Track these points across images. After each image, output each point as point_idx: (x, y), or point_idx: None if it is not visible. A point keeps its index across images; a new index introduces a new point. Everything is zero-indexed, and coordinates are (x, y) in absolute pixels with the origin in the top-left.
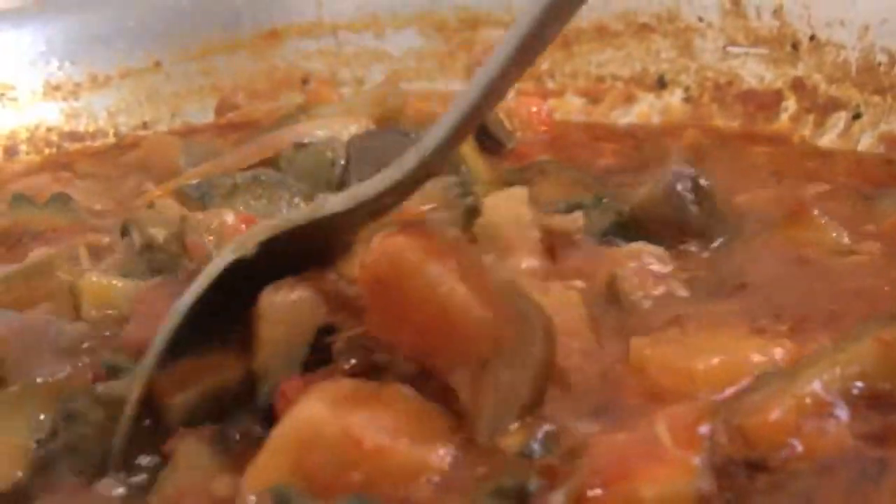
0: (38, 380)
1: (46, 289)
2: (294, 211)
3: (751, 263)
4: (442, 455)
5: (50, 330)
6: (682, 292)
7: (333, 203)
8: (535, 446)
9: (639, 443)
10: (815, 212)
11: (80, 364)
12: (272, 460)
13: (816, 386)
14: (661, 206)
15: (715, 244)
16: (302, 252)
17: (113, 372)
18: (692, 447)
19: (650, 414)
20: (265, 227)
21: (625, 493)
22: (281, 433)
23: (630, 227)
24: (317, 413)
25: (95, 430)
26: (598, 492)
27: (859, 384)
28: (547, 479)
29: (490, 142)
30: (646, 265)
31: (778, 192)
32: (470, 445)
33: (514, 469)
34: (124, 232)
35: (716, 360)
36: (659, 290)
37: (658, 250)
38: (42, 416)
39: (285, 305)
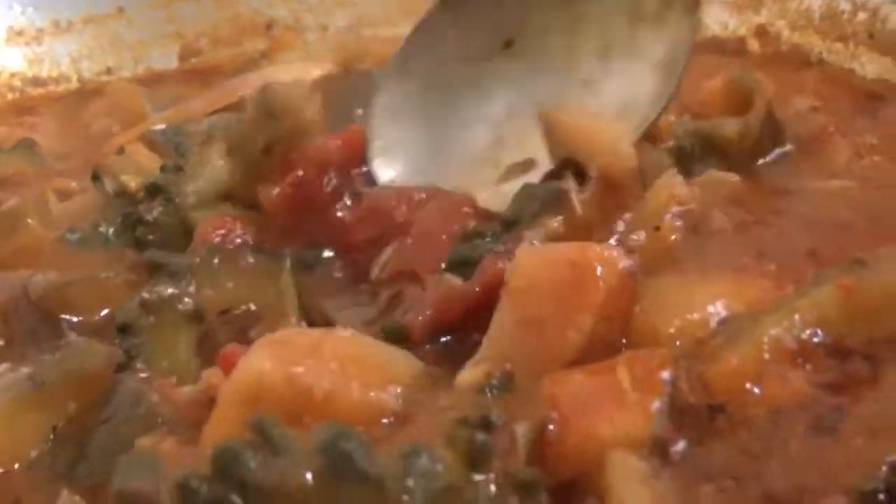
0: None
1: (18, 241)
2: None
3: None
4: (396, 395)
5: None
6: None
7: None
8: (494, 383)
9: (599, 384)
10: (832, 129)
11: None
12: (224, 416)
13: (776, 333)
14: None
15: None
16: None
17: (157, 267)
18: (652, 392)
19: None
20: None
21: (583, 431)
22: (229, 390)
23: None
24: (259, 365)
25: (149, 336)
26: (557, 428)
27: (819, 332)
28: (507, 413)
29: None
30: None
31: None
32: (427, 382)
33: (474, 403)
34: (95, 179)
35: (678, 322)
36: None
37: (731, 176)
38: None
39: None
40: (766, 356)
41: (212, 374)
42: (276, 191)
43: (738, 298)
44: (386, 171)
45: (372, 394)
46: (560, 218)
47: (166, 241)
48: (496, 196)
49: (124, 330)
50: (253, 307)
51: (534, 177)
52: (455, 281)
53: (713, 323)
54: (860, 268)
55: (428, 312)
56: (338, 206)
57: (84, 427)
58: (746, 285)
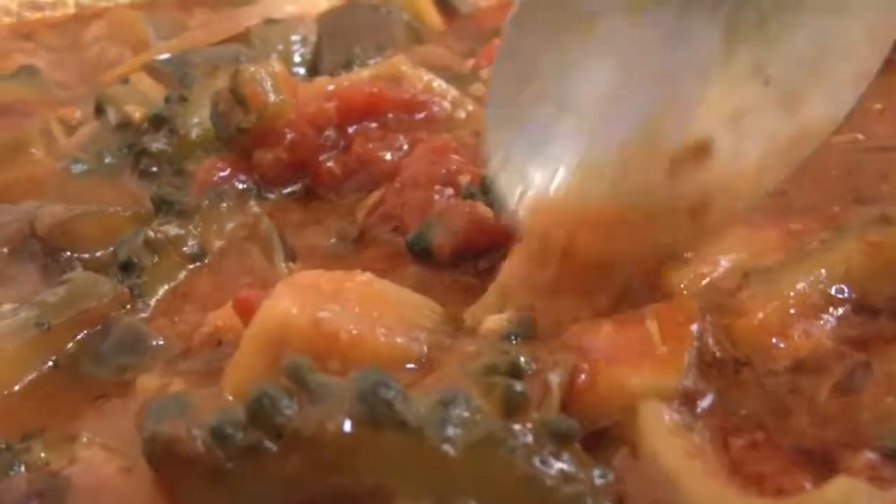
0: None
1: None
2: None
3: None
4: (422, 340)
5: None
6: None
7: None
8: (518, 330)
9: (628, 335)
10: None
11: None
12: (248, 361)
13: (802, 287)
14: None
15: None
16: None
17: (165, 204)
18: (681, 344)
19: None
20: None
21: (613, 382)
22: (252, 334)
23: None
24: (285, 309)
25: (151, 275)
26: (587, 378)
27: (845, 288)
28: (535, 361)
29: (447, 6)
30: None
31: None
32: (450, 329)
33: (500, 349)
34: (98, 109)
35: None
36: None
37: None
38: None
39: None
40: (792, 311)
41: (217, 317)
42: (270, 155)
43: (747, 249)
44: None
45: (398, 339)
46: None
47: (171, 172)
48: None
49: (126, 268)
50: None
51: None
52: (486, 210)
53: (725, 273)
54: (886, 224)
55: (457, 236)
56: (326, 156)
57: (79, 360)
58: (753, 237)
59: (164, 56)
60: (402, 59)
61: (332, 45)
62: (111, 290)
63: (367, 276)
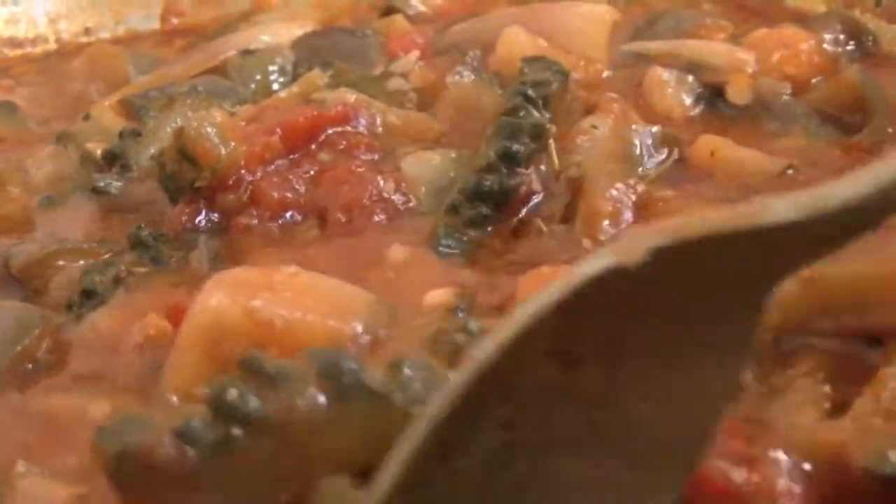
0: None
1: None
2: (714, 211)
3: None
4: (356, 324)
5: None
6: None
7: (777, 209)
8: (462, 305)
9: None
10: None
11: None
12: (185, 359)
13: None
14: None
15: None
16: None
17: (141, 247)
18: None
19: None
20: (664, 229)
21: None
22: (187, 331)
23: None
24: (218, 303)
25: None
26: None
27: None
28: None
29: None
30: None
31: None
32: (381, 310)
33: (449, 320)
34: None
35: None
36: None
37: None
38: None
39: None
40: None
41: (145, 326)
42: (232, 196)
43: None
44: None
45: (331, 321)
46: None
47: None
48: None
49: (88, 295)
50: None
51: None
52: None
53: None
54: None
55: None
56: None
57: None
58: None
59: (140, 92)
60: (318, 73)
61: (309, 68)
62: (39, 319)
63: (294, 268)
